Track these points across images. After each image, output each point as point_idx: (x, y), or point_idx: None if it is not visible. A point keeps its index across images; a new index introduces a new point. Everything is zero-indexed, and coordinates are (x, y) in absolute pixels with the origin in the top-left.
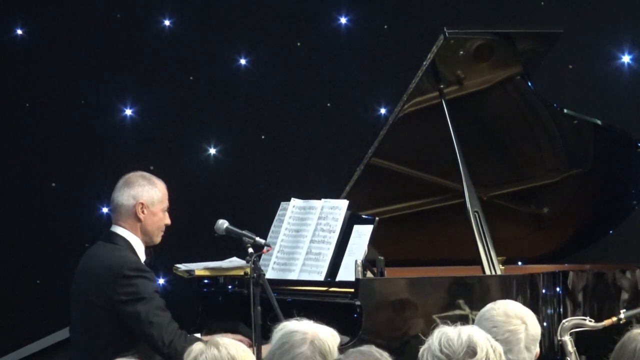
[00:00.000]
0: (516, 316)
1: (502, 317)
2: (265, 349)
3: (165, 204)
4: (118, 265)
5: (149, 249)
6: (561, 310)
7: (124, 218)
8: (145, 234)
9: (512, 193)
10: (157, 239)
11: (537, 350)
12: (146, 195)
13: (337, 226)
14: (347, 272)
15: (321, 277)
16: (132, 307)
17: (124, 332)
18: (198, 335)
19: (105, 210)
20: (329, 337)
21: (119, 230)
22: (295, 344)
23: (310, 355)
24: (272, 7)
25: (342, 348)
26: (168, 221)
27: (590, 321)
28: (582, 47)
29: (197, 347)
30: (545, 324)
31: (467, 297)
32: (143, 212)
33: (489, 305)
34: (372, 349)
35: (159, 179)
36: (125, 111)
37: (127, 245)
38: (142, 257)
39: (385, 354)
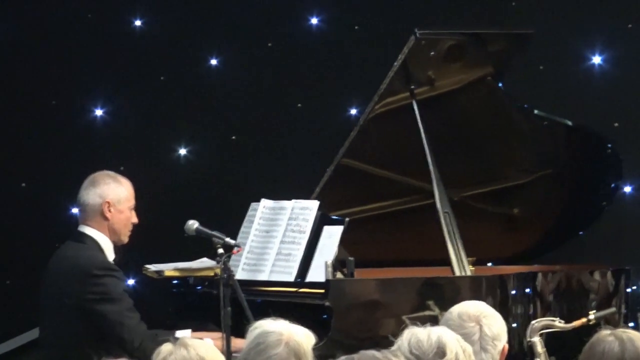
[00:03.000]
0: (470, 318)
1: (456, 321)
2: (235, 343)
3: (132, 202)
4: (87, 265)
5: (117, 247)
6: (531, 311)
7: (91, 217)
8: (113, 233)
9: (482, 194)
10: (125, 238)
11: (502, 346)
12: (112, 193)
13: (308, 227)
14: (317, 273)
15: (291, 278)
16: (101, 306)
17: (94, 332)
18: (188, 331)
19: (75, 210)
20: (304, 338)
21: (86, 229)
22: (271, 345)
23: (285, 357)
24: (243, 8)
25: (313, 349)
26: (135, 220)
27: (560, 322)
28: (553, 48)
29: (165, 348)
30: (514, 324)
31: (436, 298)
32: (110, 210)
33: (449, 310)
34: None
35: (125, 178)
36: (95, 111)
37: (95, 245)
38: (111, 256)
39: None
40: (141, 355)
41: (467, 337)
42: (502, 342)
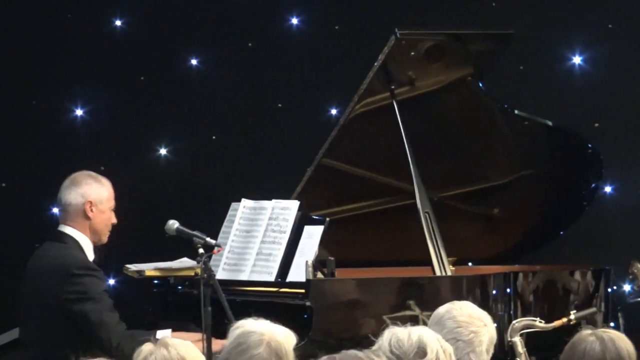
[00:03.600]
0: (478, 318)
1: (465, 318)
2: (216, 344)
3: (112, 202)
4: (67, 264)
5: (97, 247)
6: (511, 311)
7: (73, 217)
8: (94, 233)
9: (463, 194)
10: (105, 238)
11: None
12: (94, 193)
13: (288, 227)
14: (298, 273)
15: (272, 278)
16: (81, 306)
17: (74, 332)
18: (169, 330)
19: (55, 210)
20: (285, 338)
21: (67, 229)
22: (252, 345)
23: (266, 357)
24: (223, 8)
25: (294, 349)
26: (115, 220)
27: (540, 322)
28: (534, 48)
29: (146, 347)
30: (495, 325)
31: (417, 298)
32: (92, 210)
33: (448, 305)
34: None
35: (105, 178)
36: (76, 111)
37: (75, 244)
38: (91, 256)
39: None
40: (120, 355)
41: (477, 335)
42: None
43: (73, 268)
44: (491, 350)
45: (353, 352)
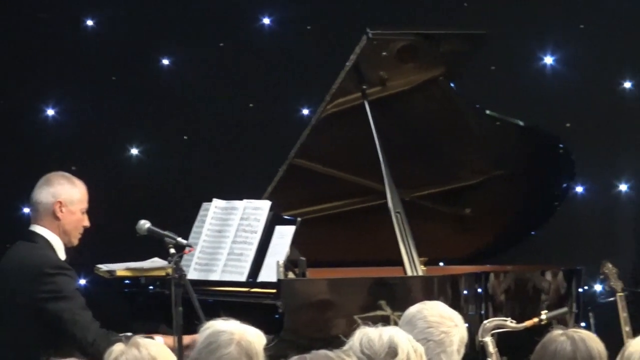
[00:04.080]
0: (449, 317)
1: (436, 318)
2: (186, 338)
3: (85, 205)
4: (39, 264)
5: (67, 248)
6: (482, 311)
7: (43, 216)
8: (64, 234)
9: (434, 194)
10: (75, 240)
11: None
12: (65, 194)
13: (259, 227)
14: (269, 273)
15: (243, 278)
16: (54, 305)
17: (47, 331)
18: (129, 334)
19: (26, 210)
20: (255, 338)
21: (37, 229)
22: (222, 344)
23: (236, 356)
24: (195, 8)
25: (264, 348)
26: (87, 223)
27: (511, 322)
28: (505, 48)
29: (117, 347)
30: (466, 325)
31: (388, 298)
32: (61, 210)
33: (419, 305)
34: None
35: (80, 180)
36: (47, 111)
37: (46, 244)
38: (62, 256)
39: None
40: (95, 352)
41: (447, 335)
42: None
43: (45, 267)
44: (462, 351)
45: (324, 352)
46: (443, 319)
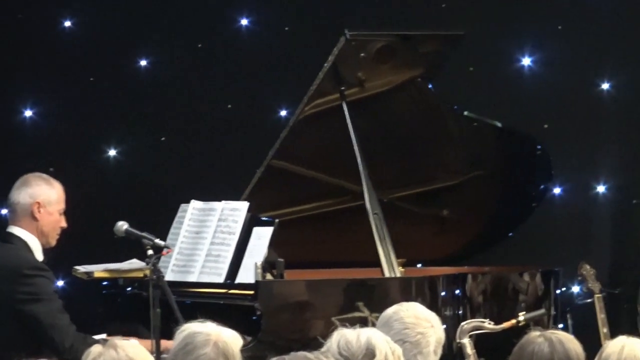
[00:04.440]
0: (425, 319)
1: (412, 319)
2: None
3: (62, 205)
4: (17, 265)
5: (45, 249)
6: (460, 312)
7: (21, 217)
8: (42, 235)
9: (412, 195)
10: (53, 242)
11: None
12: (43, 195)
13: (237, 228)
14: (247, 274)
15: (221, 279)
16: (32, 307)
17: (24, 333)
18: (103, 335)
19: (4, 211)
20: (232, 339)
21: (15, 230)
22: (198, 345)
23: (213, 357)
24: (173, 9)
25: (242, 350)
26: (64, 224)
27: (489, 323)
28: (483, 50)
29: (95, 349)
30: (444, 326)
31: (366, 299)
32: (39, 211)
33: (396, 307)
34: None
35: (57, 182)
36: (25, 112)
37: (24, 245)
38: (40, 257)
39: None
40: (72, 356)
41: (424, 336)
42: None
43: (24, 268)
44: (439, 352)
45: (302, 353)
46: (419, 320)
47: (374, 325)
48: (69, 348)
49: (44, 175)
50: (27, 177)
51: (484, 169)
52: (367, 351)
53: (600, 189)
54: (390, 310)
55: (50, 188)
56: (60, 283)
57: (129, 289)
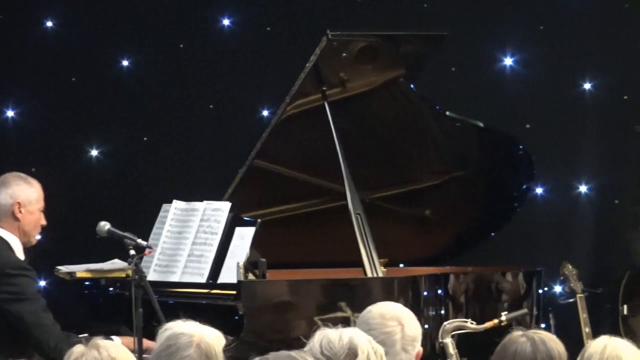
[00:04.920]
0: (392, 318)
1: (377, 320)
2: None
3: (42, 204)
4: (0, 264)
5: (27, 248)
6: (443, 312)
7: (2, 218)
8: (23, 234)
9: (394, 195)
10: (34, 240)
11: (419, 349)
12: (23, 194)
13: (219, 228)
14: (229, 274)
15: (203, 279)
16: (16, 306)
17: (8, 332)
18: (86, 335)
19: None
20: (215, 339)
21: None
22: (182, 347)
23: (196, 358)
24: (154, 9)
25: (225, 350)
26: (44, 222)
27: (472, 323)
28: (465, 50)
29: (77, 349)
30: (426, 326)
31: (348, 299)
32: (20, 211)
33: (368, 308)
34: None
35: (35, 180)
36: (7, 112)
37: (5, 245)
38: (21, 257)
39: None
40: (57, 356)
41: (389, 336)
42: (419, 345)
43: (7, 268)
44: (411, 349)
45: (285, 352)
46: (384, 320)
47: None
48: (54, 348)
49: (22, 175)
50: (5, 177)
51: (466, 169)
52: (349, 351)
53: (582, 189)
54: (362, 313)
55: (30, 187)
56: (42, 283)
57: (111, 289)
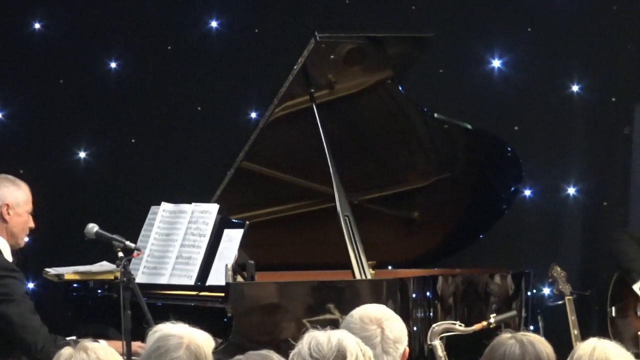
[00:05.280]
0: (372, 321)
1: (357, 324)
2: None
3: (30, 206)
4: None
5: (15, 250)
6: (431, 314)
7: None
8: (11, 236)
9: (383, 197)
10: (22, 242)
11: (403, 350)
12: (11, 196)
13: (208, 230)
14: (218, 277)
15: (191, 281)
16: (4, 308)
17: None
18: (74, 337)
19: None
20: (204, 341)
21: None
22: (171, 349)
23: (186, 359)
24: (143, 11)
25: (213, 352)
26: (32, 224)
27: (460, 325)
28: (453, 52)
29: (65, 351)
30: (415, 328)
31: (337, 302)
32: (9, 213)
33: (351, 312)
34: (272, 354)
35: (23, 182)
36: None
37: None
38: (9, 259)
39: None
40: (44, 358)
41: (368, 339)
42: (404, 345)
43: None
44: (392, 351)
45: (257, 352)
46: (364, 324)
47: None
48: (41, 349)
49: (10, 177)
50: None
51: (454, 171)
52: (338, 353)
53: (571, 190)
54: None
55: (18, 189)
56: (30, 285)
57: (99, 291)
